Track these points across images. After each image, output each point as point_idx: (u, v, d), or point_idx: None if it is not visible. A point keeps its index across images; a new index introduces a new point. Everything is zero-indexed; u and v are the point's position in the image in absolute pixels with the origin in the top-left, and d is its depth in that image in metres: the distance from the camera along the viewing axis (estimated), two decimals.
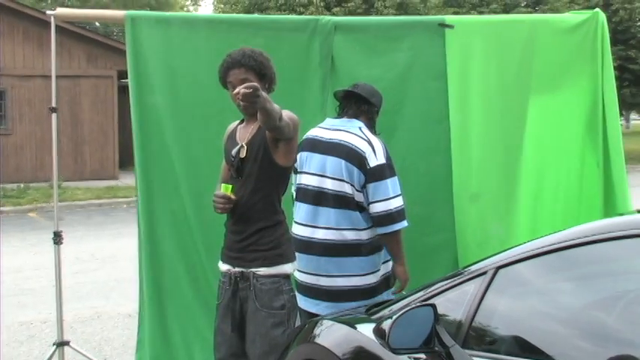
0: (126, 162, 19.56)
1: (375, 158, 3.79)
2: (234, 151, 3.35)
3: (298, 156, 3.83)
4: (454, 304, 2.50)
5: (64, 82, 17.43)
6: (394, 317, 2.42)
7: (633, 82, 24.99)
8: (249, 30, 4.62)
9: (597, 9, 5.01)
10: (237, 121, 3.55)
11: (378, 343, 2.64)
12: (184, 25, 4.64)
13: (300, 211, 3.93)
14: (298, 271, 3.86)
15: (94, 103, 19.45)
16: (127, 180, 18.29)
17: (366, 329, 2.82)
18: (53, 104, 4.75)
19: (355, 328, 2.98)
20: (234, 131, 3.50)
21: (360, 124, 3.94)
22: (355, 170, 3.78)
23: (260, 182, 3.29)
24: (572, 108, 4.86)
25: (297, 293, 3.68)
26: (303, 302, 3.91)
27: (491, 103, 4.78)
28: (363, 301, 3.77)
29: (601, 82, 4.83)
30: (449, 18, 4.90)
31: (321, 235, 3.83)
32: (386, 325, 2.54)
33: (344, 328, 3.01)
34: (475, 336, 2.40)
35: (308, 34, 4.63)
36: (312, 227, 3.82)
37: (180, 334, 4.59)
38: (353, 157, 3.79)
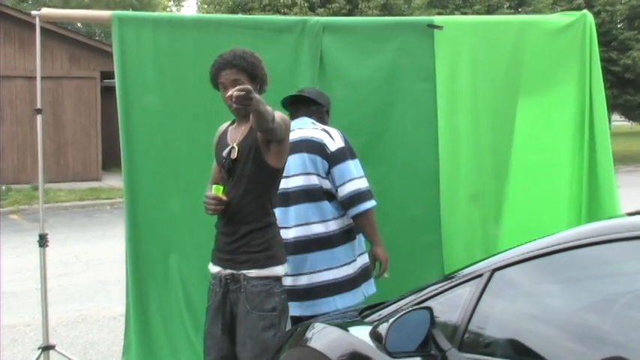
0: (109, 163, 19.43)
1: (334, 142, 3.87)
2: (225, 152, 3.32)
3: None
4: (450, 307, 2.48)
5: (47, 84, 17.21)
6: (390, 321, 2.39)
7: (615, 83, 25.21)
8: (238, 30, 4.60)
9: (585, 10, 5.03)
10: (229, 122, 3.52)
11: (371, 345, 2.62)
12: (172, 25, 4.61)
13: None
14: None
15: (77, 104, 19.31)
16: (111, 181, 18.18)
17: (360, 332, 2.80)
18: (39, 105, 4.69)
19: (348, 332, 2.96)
20: (225, 132, 3.46)
21: (312, 120, 4.03)
22: (318, 158, 3.85)
23: (251, 184, 3.26)
24: (561, 109, 4.88)
25: None
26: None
27: (481, 104, 4.79)
28: (346, 293, 3.84)
29: (589, 82, 4.85)
30: (438, 19, 4.90)
31: (292, 234, 3.85)
32: (382, 328, 2.52)
33: (336, 331, 2.98)
34: (471, 339, 2.38)
35: (296, 35, 4.62)
36: (284, 229, 3.80)
37: (166, 338, 4.55)
38: (312, 147, 3.87)
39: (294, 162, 3.85)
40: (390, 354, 2.37)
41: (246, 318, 3.24)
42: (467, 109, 4.75)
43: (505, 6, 26.08)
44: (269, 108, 3.01)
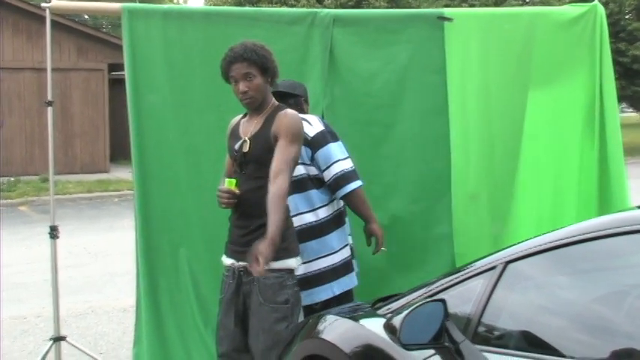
0: (117, 155, 19.48)
1: (312, 128, 3.87)
2: (237, 146, 3.32)
3: None
4: (463, 299, 2.49)
5: (55, 76, 16.99)
6: (404, 313, 2.40)
7: (623, 74, 25.09)
8: (248, 22, 4.59)
9: (596, 1, 5.01)
10: (240, 115, 3.52)
11: (383, 337, 2.63)
12: (181, 18, 4.60)
13: None
14: None
15: (85, 96, 19.35)
16: (118, 173, 18.22)
17: (372, 324, 2.81)
18: (49, 98, 4.70)
19: (360, 323, 2.97)
20: (237, 125, 3.47)
21: None
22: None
23: (263, 177, 3.24)
24: (571, 100, 4.87)
25: None
26: None
27: (491, 96, 4.78)
28: (342, 278, 3.91)
29: (599, 74, 4.84)
30: (447, 11, 4.88)
31: None
32: (396, 320, 2.53)
33: (349, 323, 3.00)
34: (484, 331, 2.39)
35: (307, 27, 4.60)
36: None
37: (176, 330, 4.55)
38: None
39: None
40: (404, 346, 2.38)
41: (259, 310, 3.25)
42: (477, 101, 4.74)
43: None
44: (281, 206, 3.11)
